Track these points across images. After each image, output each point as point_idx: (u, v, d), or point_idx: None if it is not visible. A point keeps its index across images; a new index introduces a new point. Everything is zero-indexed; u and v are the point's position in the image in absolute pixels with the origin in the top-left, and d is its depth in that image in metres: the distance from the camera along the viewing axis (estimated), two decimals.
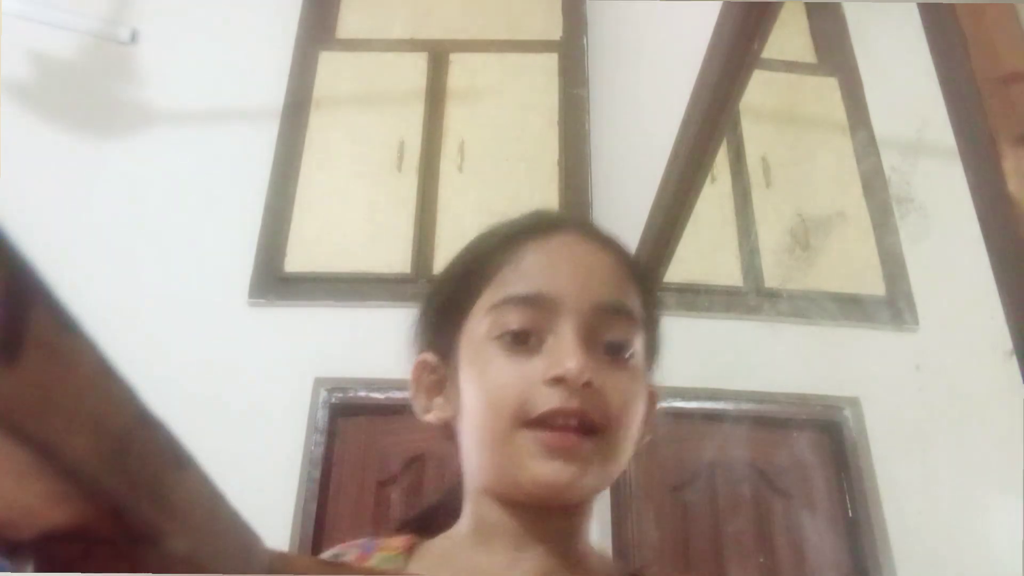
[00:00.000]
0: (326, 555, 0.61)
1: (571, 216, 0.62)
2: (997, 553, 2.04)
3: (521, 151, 2.85)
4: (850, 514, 2.34)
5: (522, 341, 0.53)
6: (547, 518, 0.53)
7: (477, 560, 0.55)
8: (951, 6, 0.67)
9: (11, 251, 0.16)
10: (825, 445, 2.44)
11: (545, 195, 2.77)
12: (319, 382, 2.42)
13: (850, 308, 2.58)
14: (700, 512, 2.31)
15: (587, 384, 0.50)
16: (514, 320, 0.54)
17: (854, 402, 2.44)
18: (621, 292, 0.56)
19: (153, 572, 0.21)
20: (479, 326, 0.55)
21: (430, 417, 0.60)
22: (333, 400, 2.41)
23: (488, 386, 0.54)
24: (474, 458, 0.55)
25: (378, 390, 2.36)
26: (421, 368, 0.61)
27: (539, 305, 0.54)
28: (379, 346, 2.63)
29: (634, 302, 0.57)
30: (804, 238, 2.69)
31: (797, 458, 2.40)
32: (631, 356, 0.55)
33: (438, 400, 0.60)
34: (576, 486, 0.51)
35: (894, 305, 2.61)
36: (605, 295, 0.55)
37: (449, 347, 0.58)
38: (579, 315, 0.53)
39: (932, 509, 2.29)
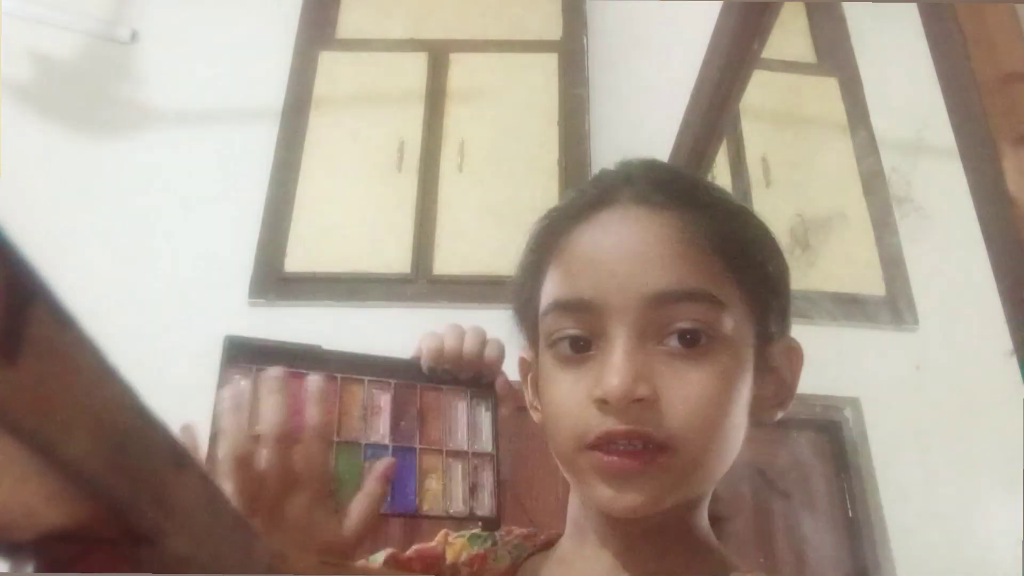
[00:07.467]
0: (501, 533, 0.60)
1: (633, 172, 0.52)
2: (997, 553, 2.04)
3: (521, 151, 2.85)
4: (850, 514, 2.34)
5: (574, 350, 0.48)
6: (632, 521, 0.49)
7: (574, 556, 0.53)
8: (951, 6, 0.67)
9: (11, 251, 0.16)
10: (825, 445, 2.44)
11: (545, 195, 2.77)
12: None
13: (850, 308, 2.58)
14: None
15: (639, 400, 0.44)
16: (562, 329, 0.48)
17: (854, 402, 2.44)
18: (683, 270, 0.46)
19: (153, 572, 0.21)
20: (544, 327, 0.51)
21: (535, 417, 0.55)
22: None
23: (549, 405, 0.50)
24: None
25: None
26: (521, 366, 0.58)
27: (584, 310, 0.47)
28: (379, 346, 2.64)
29: (707, 275, 0.47)
30: (804, 238, 2.69)
31: (797, 458, 2.40)
32: (711, 343, 0.46)
33: (535, 400, 0.55)
34: (643, 509, 0.45)
35: (894, 305, 2.61)
36: (659, 282, 0.46)
37: (535, 343, 0.54)
38: (630, 313, 0.46)
39: (932, 509, 2.29)
